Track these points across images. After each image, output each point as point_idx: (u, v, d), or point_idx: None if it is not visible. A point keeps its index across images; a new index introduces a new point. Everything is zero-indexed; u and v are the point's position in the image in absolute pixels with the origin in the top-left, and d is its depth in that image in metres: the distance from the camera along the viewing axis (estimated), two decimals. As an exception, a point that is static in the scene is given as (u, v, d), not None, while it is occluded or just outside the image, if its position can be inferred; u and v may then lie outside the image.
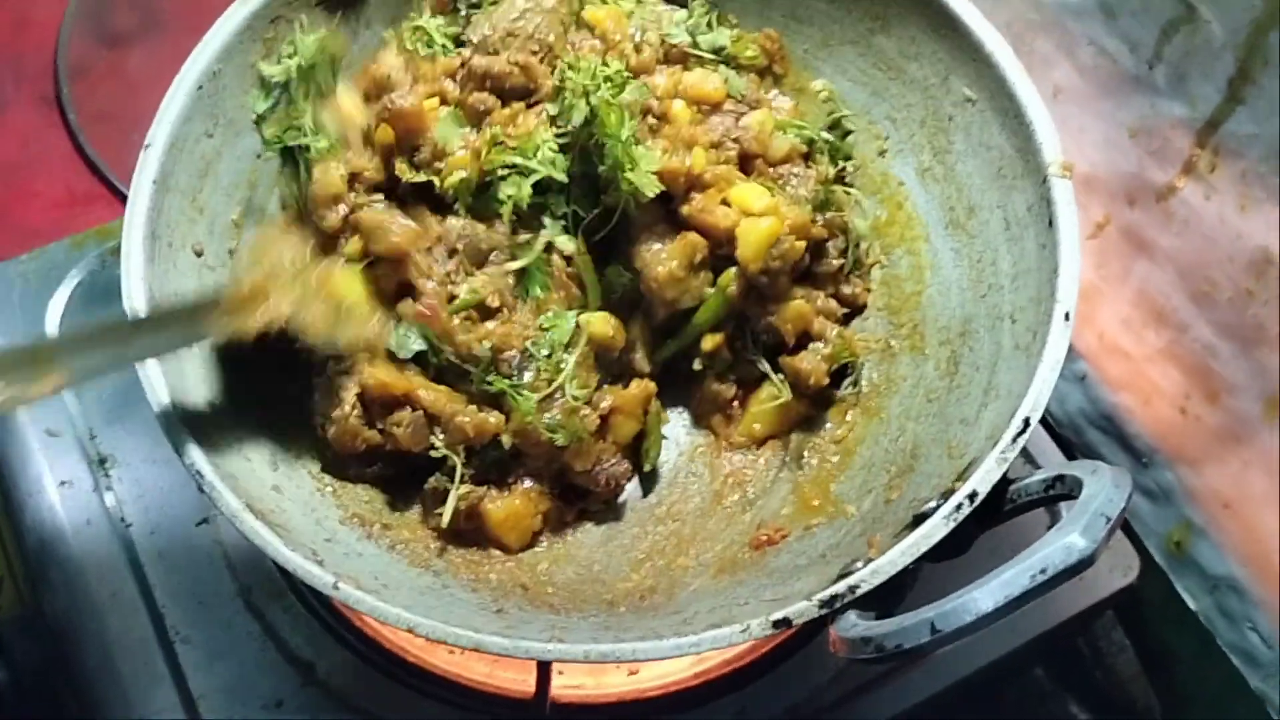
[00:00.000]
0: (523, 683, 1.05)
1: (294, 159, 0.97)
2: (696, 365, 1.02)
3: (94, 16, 1.47)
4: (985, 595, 0.70)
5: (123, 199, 1.31)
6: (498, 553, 0.97)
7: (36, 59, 1.43)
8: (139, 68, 1.43)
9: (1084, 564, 0.70)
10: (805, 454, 1.02)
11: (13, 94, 1.40)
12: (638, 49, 1.02)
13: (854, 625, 0.76)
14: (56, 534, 1.08)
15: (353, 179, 0.95)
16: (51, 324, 1.18)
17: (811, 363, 1.01)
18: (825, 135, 1.05)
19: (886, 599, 0.80)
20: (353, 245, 0.94)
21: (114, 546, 1.08)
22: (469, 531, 0.97)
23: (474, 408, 0.94)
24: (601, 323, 0.97)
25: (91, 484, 1.11)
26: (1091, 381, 1.20)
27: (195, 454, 0.83)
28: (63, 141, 1.38)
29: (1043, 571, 0.70)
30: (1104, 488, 0.74)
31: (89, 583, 1.06)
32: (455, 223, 0.96)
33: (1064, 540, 0.70)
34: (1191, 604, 1.15)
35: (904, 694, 1.08)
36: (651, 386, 0.99)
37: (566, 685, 1.05)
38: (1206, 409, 1.07)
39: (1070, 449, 1.23)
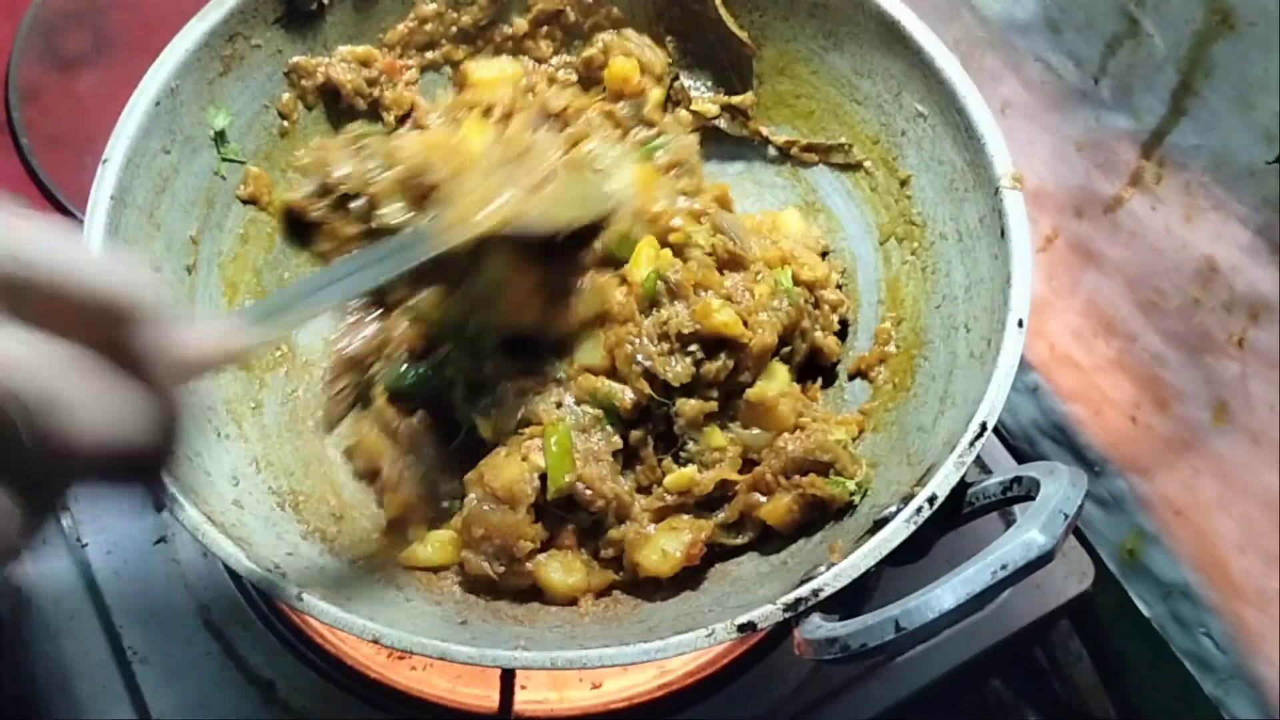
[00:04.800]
0: (486, 698, 1.04)
1: None
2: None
3: (45, 39, 1.46)
4: (947, 592, 0.71)
5: (77, 222, 1.30)
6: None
7: (-13, 83, 1.42)
8: (91, 91, 1.42)
9: (1043, 559, 0.71)
10: (766, 464, 1.03)
11: (-37, 119, 1.39)
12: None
13: (818, 627, 0.77)
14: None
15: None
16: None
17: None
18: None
19: (850, 603, 0.81)
20: None
21: (70, 566, 1.07)
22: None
23: None
24: None
25: (46, 505, 1.10)
26: (1043, 392, 1.22)
27: (155, 468, 0.83)
28: (15, 166, 1.36)
29: (1003, 568, 0.71)
30: (1061, 487, 0.75)
31: (45, 604, 1.05)
32: None
33: (1023, 537, 0.71)
34: (1145, 611, 1.16)
35: (863, 705, 1.09)
36: None
37: (530, 700, 1.05)
38: (1157, 417, 1.09)
39: (1024, 459, 1.24)
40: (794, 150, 1.12)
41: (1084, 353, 1.15)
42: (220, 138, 1.01)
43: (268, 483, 0.95)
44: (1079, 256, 1.11)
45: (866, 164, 1.08)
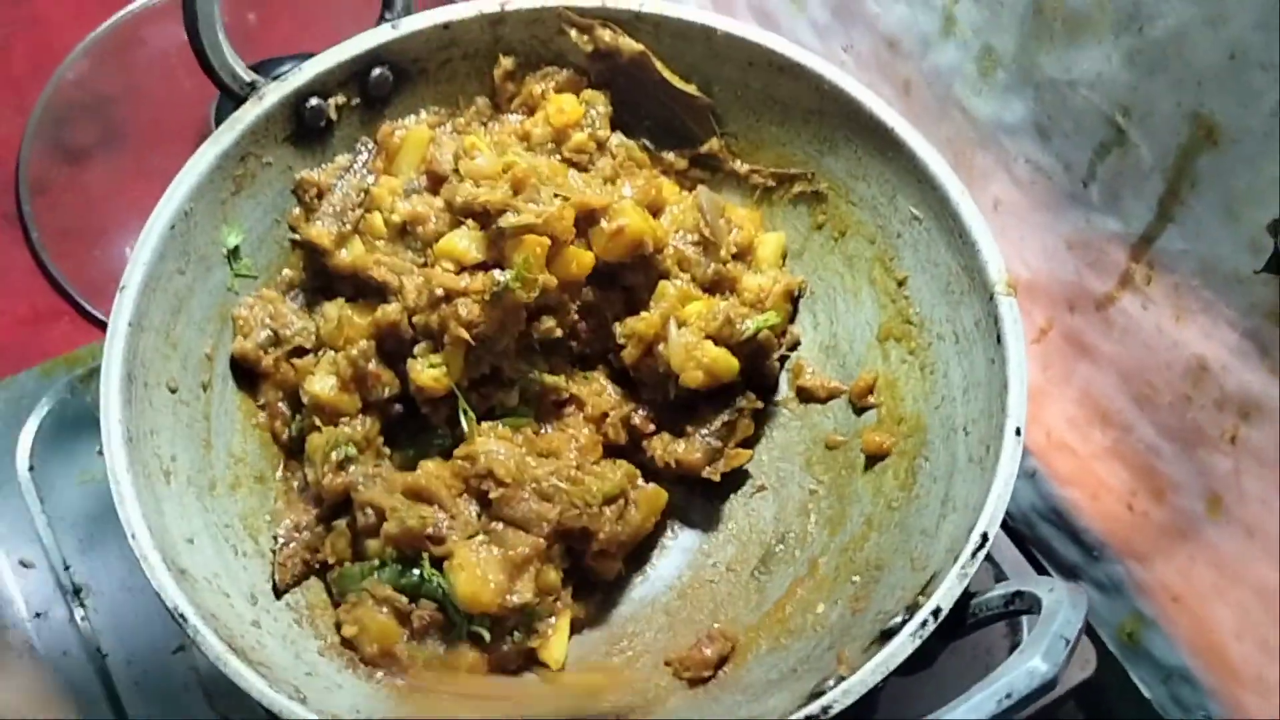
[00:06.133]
0: (501, 801, 1.06)
1: None
2: None
3: (54, 131, 1.48)
4: (955, 721, 0.73)
5: (86, 315, 1.32)
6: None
7: (-4, 175, 1.44)
8: (100, 182, 1.44)
9: (1047, 687, 0.73)
10: (772, 565, 1.05)
11: (-28, 212, 1.41)
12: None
13: (829, 747, 0.79)
14: (33, 667, 1.08)
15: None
16: (22, 455, 1.18)
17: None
18: None
19: (859, 713, 0.83)
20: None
21: (91, 678, 1.08)
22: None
23: None
24: None
25: (67, 615, 1.11)
26: (1041, 477, 1.24)
27: (176, 595, 0.84)
28: (25, 259, 1.38)
29: (1008, 696, 0.73)
30: (1061, 607, 0.78)
31: (68, 716, 1.07)
32: None
33: (1027, 665, 0.73)
34: (1146, 693, 1.18)
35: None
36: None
37: (544, 801, 1.06)
38: (1153, 505, 1.11)
39: (1023, 542, 1.26)
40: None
41: (1080, 440, 1.17)
42: (233, 255, 1.03)
43: (284, 598, 0.97)
44: (1073, 348, 1.13)
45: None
